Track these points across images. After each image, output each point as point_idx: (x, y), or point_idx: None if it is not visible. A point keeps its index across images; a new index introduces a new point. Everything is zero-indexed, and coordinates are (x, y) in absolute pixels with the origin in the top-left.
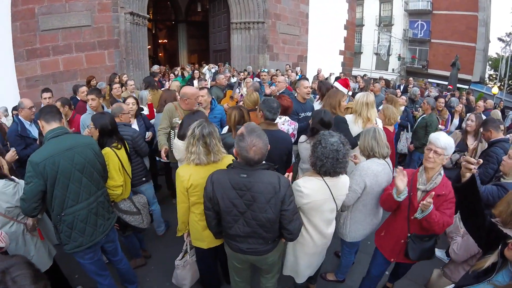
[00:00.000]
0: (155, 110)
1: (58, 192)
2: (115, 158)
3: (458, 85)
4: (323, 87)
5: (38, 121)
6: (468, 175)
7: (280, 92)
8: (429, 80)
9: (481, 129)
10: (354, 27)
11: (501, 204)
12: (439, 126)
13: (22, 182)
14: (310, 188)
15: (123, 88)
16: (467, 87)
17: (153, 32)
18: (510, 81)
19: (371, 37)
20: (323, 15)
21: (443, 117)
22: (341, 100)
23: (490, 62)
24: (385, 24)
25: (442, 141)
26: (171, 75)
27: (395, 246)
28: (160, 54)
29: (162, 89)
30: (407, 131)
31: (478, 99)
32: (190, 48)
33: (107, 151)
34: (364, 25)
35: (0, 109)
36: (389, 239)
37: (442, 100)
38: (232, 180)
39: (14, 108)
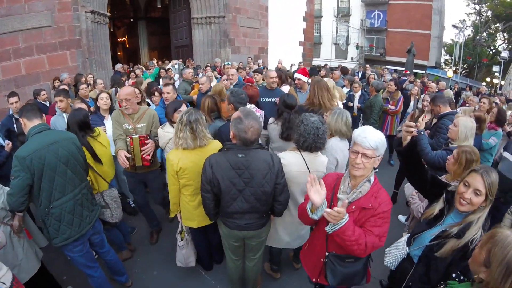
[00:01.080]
0: None
1: (45, 185)
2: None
3: (415, 70)
4: (282, 74)
5: (20, 119)
6: (408, 138)
7: (234, 85)
8: (387, 66)
9: (431, 104)
10: (313, 18)
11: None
12: (389, 105)
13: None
14: (288, 160)
15: (89, 88)
16: (423, 72)
17: (111, 30)
18: (464, 65)
19: (330, 27)
20: (282, 8)
21: (393, 98)
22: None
23: (445, 48)
24: (343, 15)
25: (371, 139)
26: (132, 74)
27: (316, 265)
28: (119, 53)
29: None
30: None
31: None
32: (151, 45)
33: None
34: (322, 16)
35: None
36: (311, 256)
37: (392, 82)
38: (230, 161)
39: None
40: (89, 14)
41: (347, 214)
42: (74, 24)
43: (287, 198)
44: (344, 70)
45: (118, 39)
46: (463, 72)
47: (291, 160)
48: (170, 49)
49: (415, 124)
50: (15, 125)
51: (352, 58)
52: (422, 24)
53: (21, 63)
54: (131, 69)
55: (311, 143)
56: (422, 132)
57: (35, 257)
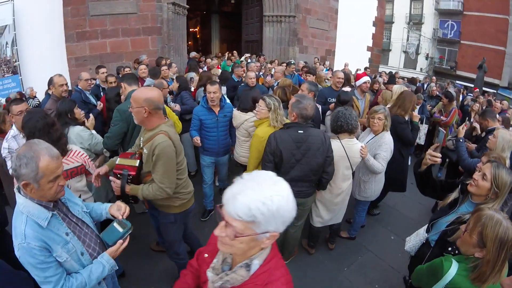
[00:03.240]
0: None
1: (136, 134)
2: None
3: (485, 89)
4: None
5: (122, 83)
6: (425, 166)
7: (277, 82)
8: (457, 82)
9: (480, 118)
10: (382, 24)
11: None
12: (442, 117)
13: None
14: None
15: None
16: (494, 91)
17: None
18: None
19: (400, 34)
20: (352, 11)
21: (446, 110)
22: (414, 104)
23: None
24: (415, 22)
25: (241, 203)
26: (208, 60)
27: None
28: (189, 42)
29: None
30: (421, 123)
31: None
32: (222, 37)
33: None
34: (394, 22)
35: (28, 89)
36: None
37: (443, 95)
38: (292, 136)
39: (50, 82)
40: (170, 5)
41: None
42: (157, 13)
43: (333, 171)
44: (413, 81)
45: (190, 29)
46: None
47: (333, 146)
48: (239, 42)
49: (440, 156)
50: (101, 93)
51: (421, 69)
52: (496, 39)
53: (107, 43)
54: (204, 58)
55: (346, 127)
56: (461, 140)
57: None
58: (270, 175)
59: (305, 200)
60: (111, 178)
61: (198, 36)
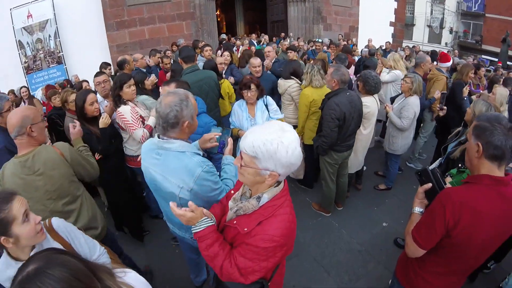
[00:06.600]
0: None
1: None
2: None
3: (509, 63)
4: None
5: (179, 59)
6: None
7: (273, 61)
8: (483, 56)
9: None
10: None
11: None
12: (480, 90)
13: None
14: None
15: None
16: None
17: None
18: None
19: (424, 8)
20: None
21: (482, 83)
22: (469, 72)
23: None
24: None
25: (248, 141)
26: (237, 41)
27: None
28: None
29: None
30: None
31: None
32: (246, 19)
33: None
34: None
35: (73, 77)
36: None
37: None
38: (346, 98)
39: (97, 74)
40: None
41: (210, 220)
42: (189, 0)
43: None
44: (433, 55)
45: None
46: None
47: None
48: (263, 23)
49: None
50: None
51: (446, 43)
52: None
53: (145, 30)
54: (235, 39)
55: (373, 87)
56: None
57: None
58: (284, 125)
59: (349, 151)
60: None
61: (219, 19)
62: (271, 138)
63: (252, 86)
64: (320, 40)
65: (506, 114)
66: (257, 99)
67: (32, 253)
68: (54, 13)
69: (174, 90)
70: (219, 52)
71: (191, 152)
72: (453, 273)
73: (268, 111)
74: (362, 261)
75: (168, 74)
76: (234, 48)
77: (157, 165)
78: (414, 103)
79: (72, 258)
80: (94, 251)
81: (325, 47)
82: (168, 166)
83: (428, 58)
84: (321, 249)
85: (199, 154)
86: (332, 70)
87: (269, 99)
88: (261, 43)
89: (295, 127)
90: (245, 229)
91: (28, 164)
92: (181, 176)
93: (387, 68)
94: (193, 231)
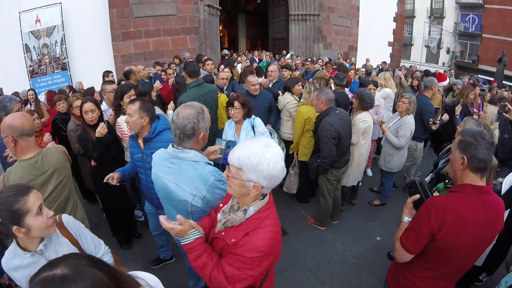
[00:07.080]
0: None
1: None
2: None
3: (505, 82)
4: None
5: (184, 73)
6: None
7: (274, 82)
8: (479, 76)
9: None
10: (403, 19)
11: None
12: (474, 109)
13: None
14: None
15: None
16: None
17: None
18: None
19: (422, 29)
20: (373, 8)
21: (476, 102)
22: (469, 93)
23: None
24: (436, 16)
25: (236, 154)
26: (239, 58)
27: None
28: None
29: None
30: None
31: None
32: (248, 35)
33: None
34: (415, 16)
35: (77, 83)
36: None
37: (477, 88)
38: (337, 117)
39: (107, 83)
40: (206, 7)
41: (198, 232)
42: (194, 15)
43: None
44: (427, 73)
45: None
46: None
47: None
48: (265, 40)
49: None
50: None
51: (443, 63)
52: None
53: (150, 42)
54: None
55: (368, 104)
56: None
57: None
58: (269, 141)
59: (345, 167)
60: None
61: (221, 34)
62: (255, 152)
63: (236, 103)
64: (309, 59)
65: (496, 132)
66: (244, 118)
67: (40, 246)
68: (62, 20)
69: (190, 103)
70: (222, 67)
71: (204, 162)
72: (440, 277)
73: (254, 132)
74: (356, 273)
75: (171, 80)
76: (235, 63)
77: (170, 174)
78: (410, 122)
79: (103, 274)
80: (99, 249)
81: (317, 66)
82: (183, 174)
83: (436, 81)
84: (316, 260)
85: (211, 164)
86: (316, 93)
87: (257, 121)
88: (262, 61)
89: (292, 142)
90: (233, 240)
91: (38, 165)
92: (195, 184)
93: (378, 86)
94: (182, 243)
